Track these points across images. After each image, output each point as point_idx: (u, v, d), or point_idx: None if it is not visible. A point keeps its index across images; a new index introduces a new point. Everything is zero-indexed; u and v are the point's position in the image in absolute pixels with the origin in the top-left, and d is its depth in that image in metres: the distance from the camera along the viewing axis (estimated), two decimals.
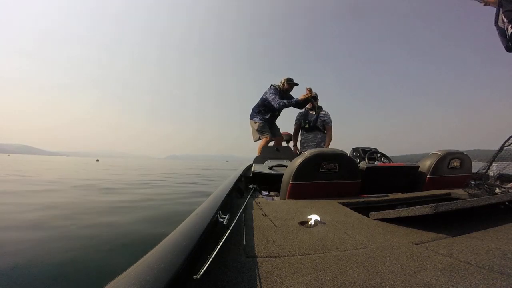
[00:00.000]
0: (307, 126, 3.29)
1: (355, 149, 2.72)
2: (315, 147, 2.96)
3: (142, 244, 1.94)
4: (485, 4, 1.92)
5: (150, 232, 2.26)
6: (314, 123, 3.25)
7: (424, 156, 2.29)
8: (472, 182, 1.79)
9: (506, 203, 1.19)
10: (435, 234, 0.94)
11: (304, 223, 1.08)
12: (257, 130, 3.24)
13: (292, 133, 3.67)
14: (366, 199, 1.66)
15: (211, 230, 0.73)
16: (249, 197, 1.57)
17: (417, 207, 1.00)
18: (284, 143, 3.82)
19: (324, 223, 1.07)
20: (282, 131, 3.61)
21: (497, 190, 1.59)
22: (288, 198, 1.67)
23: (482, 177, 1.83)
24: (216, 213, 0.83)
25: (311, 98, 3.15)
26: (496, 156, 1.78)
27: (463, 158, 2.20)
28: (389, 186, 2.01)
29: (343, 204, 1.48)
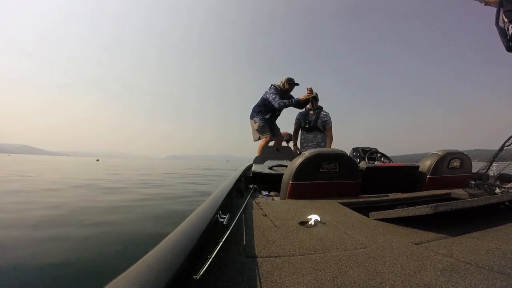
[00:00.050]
0: (307, 126, 3.30)
1: (355, 149, 2.72)
2: (315, 147, 2.97)
3: (143, 244, 1.95)
4: (485, 4, 1.92)
5: (151, 231, 2.26)
6: (314, 123, 3.25)
7: (424, 156, 2.29)
8: (472, 182, 1.79)
9: (506, 203, 1.19)
10: (435, 234, 0.94)
11: (304, 223, 1.08)
12: (257, 130, 3.24)
13: (292, 133, 3.67)
14: (366, 199, 1.66)
15: (211, 230, 0.73)
16: (249, 197, 1.57)
17: (417, 207, 1.00)
18: (284, 143, 3.82)
19: (324, 223, 1.07)
20: (282, 131, 3.61)
21: (497, 190, 1.59)
22: (288, 198, 1.67)
23: (482, 177, 1.83)
24: (216, 213, 0.83)
25: (312, 99, 3.15)
26: (496, 156, 1.78)
27: (463, 158, 2.20)
28: (389, 186, 2.01)
29: (343, 204, 1.48)
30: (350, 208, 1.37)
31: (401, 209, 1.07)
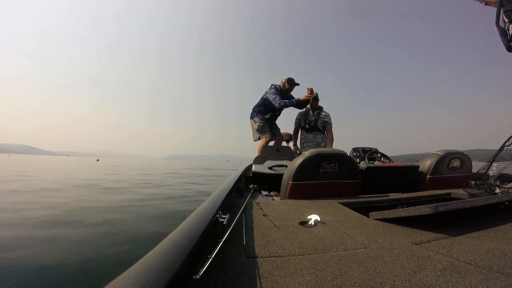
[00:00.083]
0: (307, 126, 3.30)
1: (355, 149, 2.72)
2: (315, 148, 2.97)
3: (143, 244, 1.95)
4: (485, 4, 1.92)
5: (151, 231, 2.26)
6: (315, 123, 3.25)
7: (424, 156, 2.29)
8: (472, 182, 1.79)
9: (506, 203, 1.19)
10: (435, 234, 0.94)
11: (304, 223, 1.08)
12: (257, 130, 3.24)
13: (292, 133, 3.67)
14: (366, 199, 1.66)
15: (211, 230, 0.73)
16: (249, 197, 1.57)
17: (417, 207, 1.00)
18: (284, 143, 3.82)
19: (324, 223, 1.07)
20: (282, 131, 3.61)
21: (497, 190, 1.59)
22: (288, 198, 1.67)
23: (482, 177, 1.83)
24: (216, 213, 0.83)
25: (312, 99, 3.16)
26: (496, 156, 1.78)
27: (463, 158, 2.20)
28: (389, 186, 2.01)
29: (343, 204, 1.48)
30: (350, 208, 1.37)
31: (401, 209, 1.07)
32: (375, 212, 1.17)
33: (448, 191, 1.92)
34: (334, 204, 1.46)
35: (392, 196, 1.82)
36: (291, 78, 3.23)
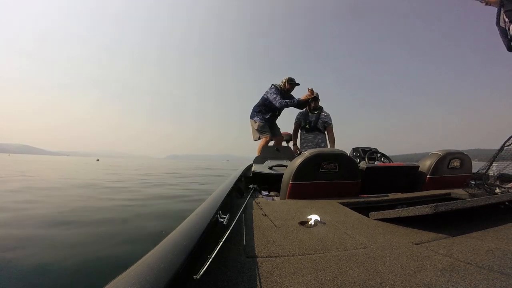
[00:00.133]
0: (307, 126, 3.29)
1: (355, 149, 2.72)
2: (315, 148, 2.97)
3: (143, 244, 1.95)
4: (486, 4, 1.92)
5: (151, 231, 2.26)
6: (315, 123, 3.25)
7: (424, 155, 2.29)
8: (472, 182, 1.79)
9: (506, 203, 1.19)
10: (435, 234, 0.94)
11: (304, 223, 1.08)
12: (257, 129, 3.24)
13: (292, 133, 3.67)
14: (366, 199, 1.66)
15: (211, 230, 0.73)
16: (249, 197, 1.57)
17: (417, 207, 1.00)
18: (284, 143, 3.82)
19: (324, 223, 1.07)
20: (282, 131, 3.61)
21: (497, 190, 1.59)
22: (288, 198, 1.67)
23: (482, 177, 1.83)
24: (216, 213, 0.83)
25: (312, 100, 3.16)
26: (496, 156, 1.78)
27: (463, 158, 2.20)
28: (389, 186, 2.01)
29: (343, 204, 1.48)
30: (350, 208, 1.37)
31: (401, 209, 1.07)
32: (375, 212, 1.17)
33: (448, 191, 1.92)
34: (334, 204, 1.46)
35: (392, 196, 1.82)
36: (291, 78, 3.23)
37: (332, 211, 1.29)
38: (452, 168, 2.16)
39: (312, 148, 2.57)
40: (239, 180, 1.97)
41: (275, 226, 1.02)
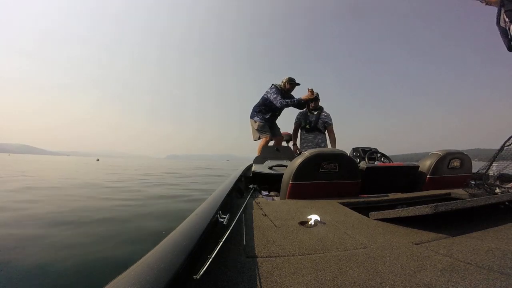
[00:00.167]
0: (307, 126, 3.29)
1: (355, 149, 2.72)
2: (315, 148, 2.97)
3: (143, 244, 1.95)
4: (486, 4, 1.92)
5: (151, 231, 2.26)
6: (315, 123, 3.25)
7: (424, 155, 2.29)
8: (472, 182, 1.79)
9: (506, 203, 1.19)
10: (435, 234, 0.94)
11: (304, 223, 1.08)
12: (257, 129, 3.24)
13: (292, 133, 3.67)
14: (366, 199, 1.66)
15: (211, 230, 0.73)
16: (249, 197, 1.57)
17: (417, 207, 1.00)
18: (284, 143, 3.82)
19: (324, 223, 1.07)
20: (282, 131, 3.61)
21: (497, 190, 1.59)
22: (288, 198, 1.67)
23: (482, 177, 1.83)
24: (216, 213, 0.83)
25: (312, 100, 3.16)
26: (496, 155, 1.78)
27: (463, 158, 2.20)
28: (389, 186, 2.01)
29: (343, 204, 1.48)
30: (350, 208, 1.37)
31: (401, 209, 1.07)
32: (375, 212, 1.17)
33: (448, 191, 1.92)
34: (334, 204, 1.46)
35: (392, 196, 1.82)
36: (291, 78, 3.22)
37: (332, 211, 1.29)
38: (452, 168, 2.15)
39: (312, 148, 2.58)
40: (239, 180, 1.98)
41: (275, 226, 1.02)
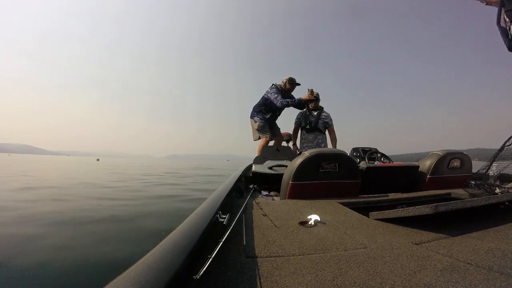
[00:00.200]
0: (308, 126, 3.29)
1: (355, 149, 2.72)
2: (315, 148, 2.97)
3: (143, 243, 1.95)
4: (486, 4, 1.92)
5: (151, 230, 2.26)
6: (315, 123, 3.25)
7: (424, 155, 2.29)
8: (472, 182, 1.79)
9: (506, 203, 1.19)
10: (435, 234, 0.94)
11: (304, 223, 1.08)
12: (257, 129, 3.23)
13: (292, 133, 3.67)
14: (366, 199, 1.66)
15: (211, 230, 0.73)
16: (249, 197, 1.57)
17: (417, 207, 1.00)
18: (284, 143, 3.82)
19: (324, 223, 1.07)
20: (282, 131, 3.61)
21: (497, 190, 1.59)
22: (288, 198, 1.67)
23: (482, 177, 1.83)
24: (216, 213, 0.83)
25: (311, 100, 3.17)
26: (496, 155, 1.78)
27: (463, 158, 2.20)
28: (389, 186, 2.01)
29: (343, 204, 1.48)
30: (350, 208, 1.37)
31: (401, 209, 1.07)
32: (375, 212, 1.17)
33: (448, 191, 1.92)
34: (334, 204, 1.45)
35: (392, 196, 1.82)
36: (292, 78, 3.22)
37: (332, 211, 1.29)
38: (452, 168, 2.15)
39: (313, 148, 2.58)
40: (239, 180, 1.98)
41: (275, 226, 1.02)
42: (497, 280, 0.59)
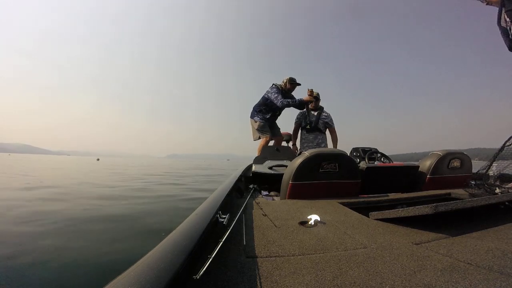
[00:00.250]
0: (308, 126, 3.29)
1: (355, 149, 2.72)
2: (315, 148, 2.97)
3: (144, 243, 1.95)
4: (487, 4, 1.92)
5: (151, 230, 2.26)
6: (316, 124, 3.25)
7: (424, 155, 2.29)
8: (472, 182, 1.79)
9: (506, 203, 1.19)
10: (435, 234, 0.94)
11: (304, 223, 1.08)
12: (257, 129, 3.23)
13: (292, 133, 3.67)
14: (366, 199, 1.66)
15: (211, 230, 0.73)
16: (249, 197, 1.57)
17: (417, 207, 1.00)
18: (284, 143, 3.82)
19: (324, 223, 1.07)
20: (282, 131, 3.61)
21: (497, 190, 1.59)
22: (288, 198, 1.67)
23: (482, 177, 1.83)
24: (216, 213, 0.83)
25: (310, 101, 3.17)
26: (496, 155, 1.78)
27: (463, 158, 2.20)
28: (389, 186, 2.01)
29: (343, 204, 1.48)
30: (350, 208, 1.37)
31: (401, 209, 1.07)
32: (375, 212, 1.17)
33: (448, 191, 1.92)
34: (334, 204, 1.45)
35: (392, 196, 1.82)
36: (292, 78, 3.21)
37: (332, 211, 1.29)
38: (452, 168, 2.15)
39: (313, 148, 2.57)
40: (239, 180, 1.97)
41: (275, 226, 1.02)
42: (497, 280, 0.59)
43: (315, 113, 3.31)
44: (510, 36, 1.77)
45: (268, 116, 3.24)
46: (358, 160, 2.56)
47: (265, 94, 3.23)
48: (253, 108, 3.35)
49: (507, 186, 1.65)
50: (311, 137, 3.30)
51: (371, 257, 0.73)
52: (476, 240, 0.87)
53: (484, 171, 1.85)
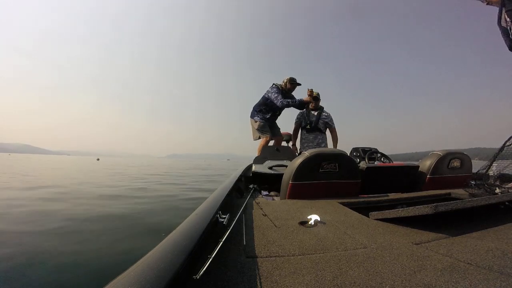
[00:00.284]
0: (308, 126, 3.29)
1: (355, 149, 2.72)
2: (315, 148, 2.97)
3: (144, 243, 1.95)
4: (487, 4, 1.92)
5: (151, 230, 2.26)
6: (316, 123, 3.25)
7: (425, 155, 2.29)
8: (472, 182, 1.79)
9: (506, 203, 1.19)
10: (435, 234, 0.94)
11: (304, 223, 1.08)
12: (257, 129, 3.23)
13: (292, 133, 3.67)
14: (366, 199, 1.66)
15: (211, 230, 0.73)
16: (249, 197, 1.57)
17: (417, 207, 1.00)
18: (284, 143, 3.82)
19: (324, 223, 1.07)
20: (282, 131, 3.61)
21: (497, 190, 1.59)
22: (288, 198, 1.67)
23: (482, 177, 1.83)
24: (216, 213, 0.83)
25: (313, 99, 3.17)
26: (496, 155, 1.78)
27: (463, 158, 2.20)
28: (389, 186, 2.01)
29: (343, 204, 1.48)
30: (350, 208, 1.37)
31: (401, 209, 1.07)
32: (375, 212, 1.17)
33: (448, 191, 1.92)
34: (334, 204, 1.45)
35: (392, 196, 1.82)
36: (293, 78, 3.21)
37: (332, 211, 1.29)
38: (452, 168, 2.15)
39: (313, 148, 2.57)
40: (239, 180, 1.98)
41: (275, 226, 1.02)
42: (497, 280, 0.59)
43: (315, 113, 3.31)
44: (510, 36, 1.77)
45: (268, 116, 3.24)
46: (358, 160, 2.56)
47: (265, 94, 3.23)
48: (253, 108, 3.35)
49: (507, 186, 1.65)
50: (311, 137, 3.30)
51: (371, 257, 0.73)
52: (476, 240, 0.87)
53: (484, 171, 1.85)
